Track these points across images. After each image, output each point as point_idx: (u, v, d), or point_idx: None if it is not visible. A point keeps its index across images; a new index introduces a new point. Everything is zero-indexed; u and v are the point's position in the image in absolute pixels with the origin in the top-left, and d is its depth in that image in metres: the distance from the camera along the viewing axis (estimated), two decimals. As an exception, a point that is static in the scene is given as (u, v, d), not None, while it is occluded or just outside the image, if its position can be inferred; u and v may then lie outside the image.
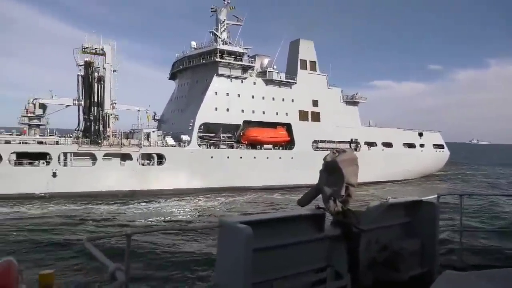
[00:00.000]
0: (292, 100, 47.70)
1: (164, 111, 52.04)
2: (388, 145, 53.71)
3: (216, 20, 49.21)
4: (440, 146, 59.89)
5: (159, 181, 36.76)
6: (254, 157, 43.02)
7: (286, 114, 47.06)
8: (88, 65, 38.53)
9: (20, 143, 34.46)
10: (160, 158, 38.45)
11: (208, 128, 43.04)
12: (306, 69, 49.78)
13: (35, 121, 38.26)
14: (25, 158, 33.77)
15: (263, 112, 45.43)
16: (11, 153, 33.15)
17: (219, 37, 47.55)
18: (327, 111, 49.58)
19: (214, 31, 48.47)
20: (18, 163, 33.40)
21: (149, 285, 13.97)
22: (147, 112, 44.52)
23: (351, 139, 50.57)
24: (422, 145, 57.36)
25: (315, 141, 47.83)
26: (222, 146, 42.29)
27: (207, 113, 41.98)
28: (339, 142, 48.67)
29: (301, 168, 41.62)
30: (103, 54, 39.99)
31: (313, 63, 50.63)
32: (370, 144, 52.19)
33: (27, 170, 33.19)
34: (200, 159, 39.52)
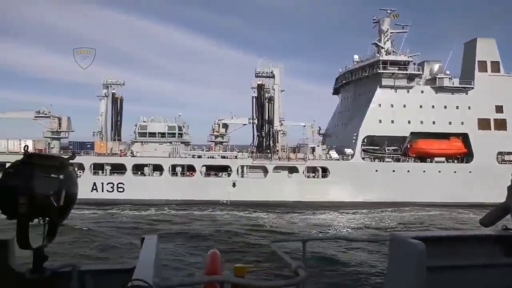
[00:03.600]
0: (469, 107, 42.74)
1: (328, 125, 53.65)
2: None
3: (378, 30, 48.41)
4: None
5: (323, 193, 38.15)
6: (424, 171, 40.21)
7: (462, 123, 42.41)
8: (260, 87, 43.51)
9: (208, 157, 41.28)
10: (324, 171, 39.95)
11: (372, 140, 42.49)
12: (486, 71, 43.95)
13: (219, 139, 45.16)
14: (212, 170, 40.15)
15: (433, 122, 42.10)
16: (202, 166, 39.88)
17: (382, 48, 46.57)
18: (516, 118, 42.56)
19: (377, 42, 47.77)
20: (207, 174, 39.93)
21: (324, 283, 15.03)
22: (312, 127, 46.98)
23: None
24: None
25: (500, 153, 41.60)
26: (387, 159, 41.07)
27: (370, 125, 41.55)
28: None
29: (482, 183, 36.86)
30: (273, 76, 44.27)
31: (495, 64, 44.34)
32: None
33: (213, 180, 39.34)
34: (364, 172, 39.31)
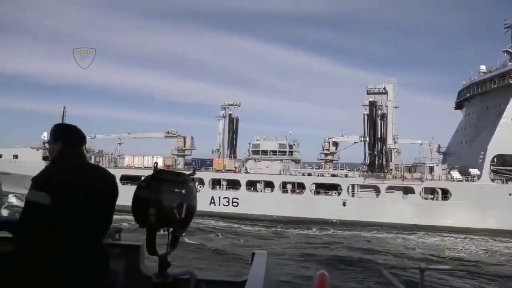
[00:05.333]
0: None
1: (450, 143, 49.05)
2: None
3: (511, 36, 43.14)
4: None
5: (443, 217, 34.90)
6: None
7: None
8: (372, 104, 42.33)
9: (318, 175, 41.46)
10: (445, 193, 36.60)
11: (504, 160, 37.53)
12: None
13: (329, 157, 45.08)
14: (321, 188, 40.17)
15: None
16: (312, 183, 40.21)
17: (517, 55, 41.29)
18: None
19: (509, 49, 42.55)
20: (317, 192, 40.08)
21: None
22: (430, 145, 43.77)
23: None
24: None
25: None
26: (524, 182, 35.74)
27: (502, 143, 36.74)
28: None
29: None
30: (385, 92, 42.70)
31: None
32: None
33: (323, 198, 39.29)
34: (493, 195, 34.80)
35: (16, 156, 45.78)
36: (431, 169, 38.95)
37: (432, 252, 27.29)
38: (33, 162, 37.05)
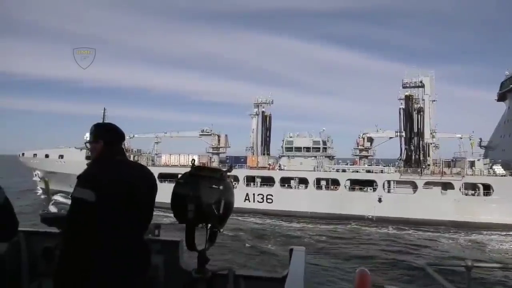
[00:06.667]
0: None
1: (492, 136, 46.92)
2: None
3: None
4: None
5: (485, 214, 33.63)
6: None
7: None
8: (408, 98, 41.35)
9: (353, 171, 41.05)
10: (487, 188, 35.22)
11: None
12: None
13: (364, 153, 44.47)
14: (356, 184, 39.74)
15: None
16: (346, 180, 39.86)
17: None
18: None
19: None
20: (351, 188, 39.69)
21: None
22: (470, 139, 42.18)
23: None
24: None
25: None
26: None
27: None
28: None
29: None
30: (422, 86, 41.52)
31: None
32: None
33: (358, 195, 38.86)
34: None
35: (61, 156, 48.43)
36: (472, 163, 37.54)
37: (477, 250, 26.50)
38: (77, 161, 39.17)
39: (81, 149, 46.59)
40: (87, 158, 42.68)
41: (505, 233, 31.14)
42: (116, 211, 2.25)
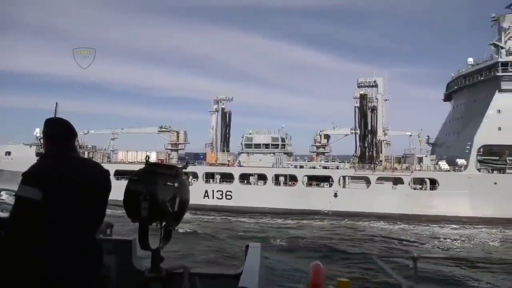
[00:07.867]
0: None
1: (439, 134, 49.97)
2: None
3: (498, 29, 43.90)
4: None
5: (431, 207, 35.88)
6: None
7: None
8: (362, 97, 43.04)
9: (310, 168, 42.19)
10: (433, 183, 37.56)
11: (490, 150, 38.52)
12: None
13: (321, 149, 45.80)
14: (313, 180, 40.89)
15: None
16: (304, 176, 40.90)
17: (503, 48, 42.04)
18: None
19: (495, 42, 43.31)
20: (309, 184, 40.79)
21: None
22: (419, 137, 44.68)
23: None
24: None
25: None
26: (508, 171, 36.78)
27: (488, 134, 37.71)
28: None
29: None
30: (376, 86, 43.35)
31: None
32: None
33: (315, 190, 40.04)
34: (480, 185, 35.78)
35: (8, 153, 45.80)
36: (420, 160, 39.87)
37: (422, 241, 28.13)
38: (26, 158, 37.20)
39: (30, 145, 44.41)
40: (38, 154, 40.79)
41: (449, 225, 33.38)
42: (65, 209, 2.14)
